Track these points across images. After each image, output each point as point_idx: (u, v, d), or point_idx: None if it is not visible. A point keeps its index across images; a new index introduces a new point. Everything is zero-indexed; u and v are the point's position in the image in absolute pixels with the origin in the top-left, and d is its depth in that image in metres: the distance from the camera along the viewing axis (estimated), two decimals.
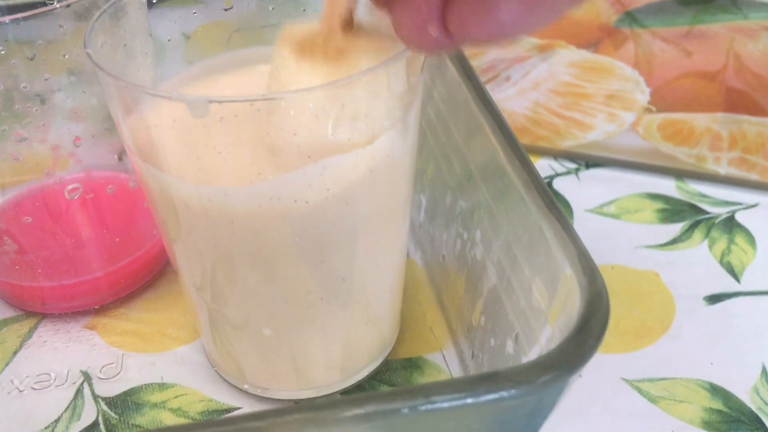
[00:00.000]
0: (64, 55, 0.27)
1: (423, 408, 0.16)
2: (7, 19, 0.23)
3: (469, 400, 0.16)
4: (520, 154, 0.22)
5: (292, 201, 0.20)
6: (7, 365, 0.28)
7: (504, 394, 0.16)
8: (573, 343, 0.16)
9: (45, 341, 0.29)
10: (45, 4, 0.31)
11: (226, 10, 0.26)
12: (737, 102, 0.43)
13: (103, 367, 0.28)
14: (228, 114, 0.18)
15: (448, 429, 0.17)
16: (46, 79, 0.26)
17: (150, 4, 0.25)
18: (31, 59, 0.27)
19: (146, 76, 0.26)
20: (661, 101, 0.42)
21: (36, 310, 0.30)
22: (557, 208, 0.20)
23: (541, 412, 0.17)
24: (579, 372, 0.17)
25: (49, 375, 0.28)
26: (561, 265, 0.19)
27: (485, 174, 0.25)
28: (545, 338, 0.20)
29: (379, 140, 0.21)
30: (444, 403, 0.16)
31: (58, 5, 0.23)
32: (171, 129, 0.20)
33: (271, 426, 0.15)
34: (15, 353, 0.29)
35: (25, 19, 0.23)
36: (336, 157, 0.20)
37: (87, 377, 0.27)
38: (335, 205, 0.21)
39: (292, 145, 0.19)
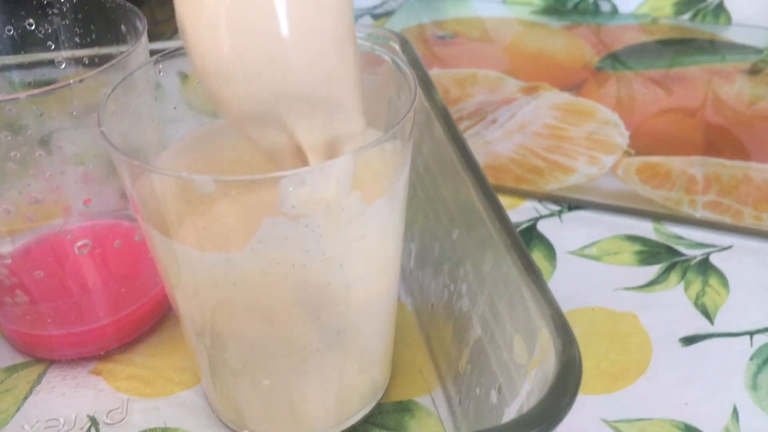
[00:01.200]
0: (72, 112, 0.29)
1: None
2: (23, 95, 0.24)
3: None
4: (502, 216, 0.24)
5: (290, 265, 0.22)
6: (18, 410, 0.29)
7: None
8: (548, 403, 0.18)
9: (53, 387, 0.30)
10: (53, 63, 0.33)
11: None
12: (717, 139, 0.45)
13: (109, 412, 0.29)
14: (232, 190, 0.20)
15: None
16: (51, 132, 0.28)
17: (158, 71, 0.26)
18: (40, 116, 0.28)
19: (152, 137, 0.28)
20: (640, 144, 0.44)
21: (45, 357, 0.31)
22: (535, 270, 0.22)
23: None
24: (555, 429, 0.18)
25: (58, 420, 0.29)
26: (538, 324, 0.21)
27: (470, 231, 0.26)
28: (525, 392, 0.21)
29: (371, 207, 0.22)
30: None
31: (72, 82, 0.25)
32: (178, 201, 0.21)
33: None
34: (25, 398, 0.30)
35: (41, 93, 0.24)
36: (331, 225, 0.21)
37: (94, 422, 0.29)
38: (330, 268, 0.22)
39: (291, 215, 0.21)
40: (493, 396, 0.23)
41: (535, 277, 0.22)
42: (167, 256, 0.23)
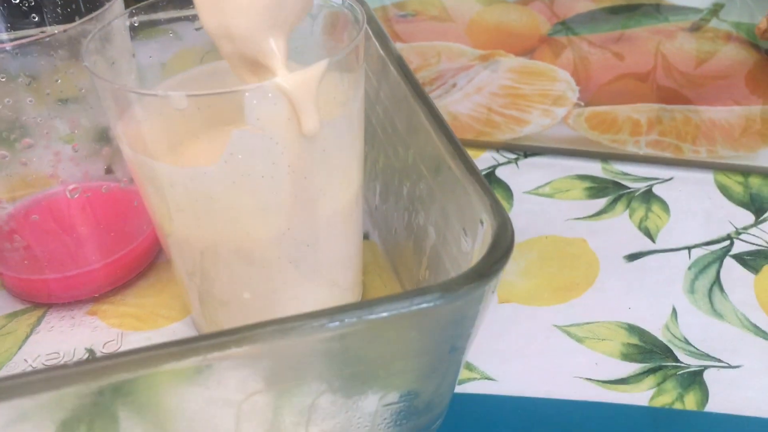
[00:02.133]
0: (57, 80, 0.32)
1: (367, 317, 0.20)
2: (8, 46, 0.27)
3: (404, 309, 0.20)
4: (447, 131, 0.27)
5: (259, 177, 0.25)
6: (20, 348, 0.32)
7: (432, 302, 0.20)
8: (486, 261, 0.21)
9: (52, 327, 0.33)
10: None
11: (197, 30, 0.31)
12: (669, 99, 0.48)
13: (105, 343, 0.32)
14: (203, 105, 0.23)
15: (390, 338, 0.21)
16: (43, 104, 0.31)
17: (133, 24, 0.29)
18: (28, 85, 0.31)
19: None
20: (590, 98, 0.48)
21: (43, 301, 0.34)
22: (476, 171, 0.25)
23: (465, 321, 0.22)
24: (492, 284, 0.21)
25: (58, 353, 0.32)
26: (479, 213, 0.24)
27: (422, 153, 0.29)
28: None
29: (329, 123, 0.25)
30: (384, 313, 0.20)
31: (56, 31, 0.28)
32: (157, 121, 0.24)
33: (250, 336, 0.20)
34: (26, 339, 0.33)
35: (26, 45, 0.27)
36: (294, 137, 0.24)
37: (92, 353, 0.32)
38: (296, 180, 0.25)
39: (257, 128, 0.24)
40: None
41: (476, 176, 0.25)
42: (151, 179, 0.26)
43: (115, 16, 0.28)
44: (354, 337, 0.21)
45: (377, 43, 0.35)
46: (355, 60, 0.26)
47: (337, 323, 0.20)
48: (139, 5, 0.28)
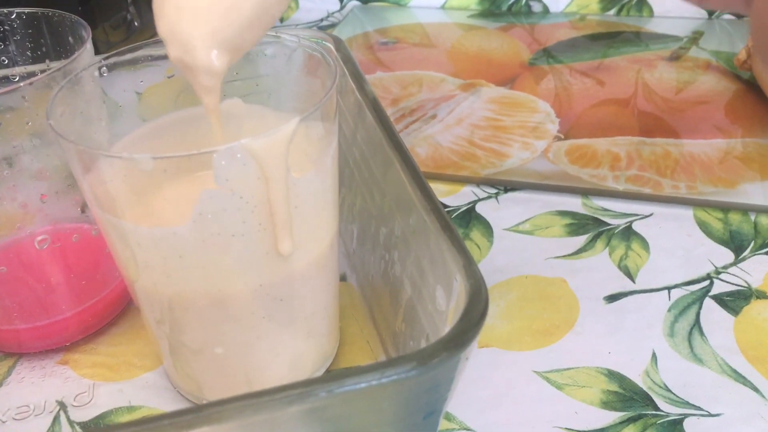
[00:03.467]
0: (28, 123, 0.31)
1: (338, 390, 0.20)
2: None
3: (374, 382, 0.20)
4: (423, 185, 0.27)
5: (229, 235, 0.24)
6: None
7: (404, 374, 0.20)
8: (457, 330, 0.21)
9: (23, 377, 0.32)
10: (8, 79, 0.35)
11: (168, 77, 0.30)
12: (650, 125, 0.48)
13: (76, 395, 0.31)
14: (170, 166, 0.23)
15: (362, 409, 0.21)
16: (14, 146, 0.30)
17: (102, 73, 0.29)
18: None
19: (102, 137, 0.30)
20: (569, 130, 0.47)
21: (13, 351, 0.33)
22: (450, 227, 0.25)
23: (440, 388, 0.22)
24: (465, 353, 0.21)
25: (29, 406, 0.31)
26: (453, 272, 0.24)
27: (398, 203, 0.29)
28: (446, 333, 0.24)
29: (301, 179, 0.25)
30: (355, 386, 0.20)
31: (22, 84, 0.27)
32: (123, 182, 0.24)
33: (218, 413, 0.19)
34: None
35: None
36: (264, 196, 0.24)
37: (62, 406, 0.31)
38: (267, 237, 0.25)
39: (226, 188, 0.23)
40: (423, 345, 0.26)
41: (450, 233, 0.24)
42: (119, 238, 0.26)
43: (83, 67, 0.27)
44: (326, 410, 0.20)
45: (353, 85, 0.35)
46: (328, 113, 0.26)
47: (308, 398, 0.19)
48: (108, 55, 0.28)
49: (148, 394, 0.31)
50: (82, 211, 0.34)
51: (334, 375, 0.20)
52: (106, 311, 0.34)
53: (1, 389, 0.32)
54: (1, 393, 0.32)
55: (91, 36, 0.30)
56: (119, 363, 0.33)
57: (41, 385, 0.32)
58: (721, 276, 0.36)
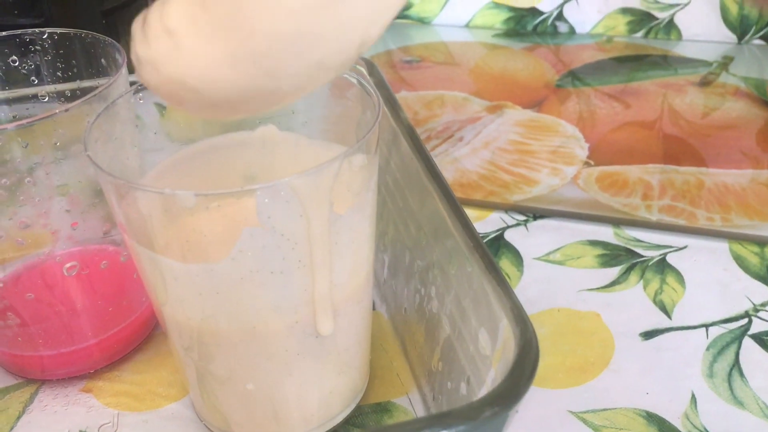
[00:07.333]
0: (56, 143, 0.30)
1: None
2: (11, 126, 0.26)
3: None
4: (465, 222, 0.26)
5: (268, 272, 0.24)
6: (11, 430, 0.31)
7: (453, 429, 0.19)
8: (508, 383, 0.20)
9: (45, 405, 0.31)
10: (37, 98, 0.35)
11: None
12: (673, 148, 0.48)
13: (100, 426, 0.30)
14: (212, 204, 0.22)
15: None
16: (37, 163, 0.29)
17: (139, 99, 0.28)
18: (25, 147, 0.30)
19: (134, 163, 0.29)
20: (599, 155, 0.47)
21: (36, 378, 0.32)
22: (495, 268, 0.24)
23: None
24: (515, 407, 0.20)
25: None
26: (499, 317, 0.23)
27: (436, 237, 0.28)
28: (490, 380, 0.23)
29: (342, 216, 0.24)
30: None
31: (57, 111, 0.26)
32: (162, 216, 0.23)
33: None
34: (18, 418, 0.31)
35: (29, 123, 0.26)
36: (305, 234, 0.23)
37: None
38: (306, 274, 0.24)
39: (268, 226, 0.23)
40: (463, 388, 0.25)
41: (495, 274, 0.24)
42: (153, 270, 0.25)
43: (120, 94, 0.27)
44: None
45: (387, 111, 0.34)
46: (371, 146, 0.25)
47: None
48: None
49: (173, 425, 0.31)
50: (106, 233, 0.33)
51: (381, 430, 0.19)
52: (131, 338, 0.33)
53: (24, 417, 0.31)
54: (24, 420, 0.31)
55: (126, 60, 0.29)
56: (144, 392, 0.32)
57: (64, 413, 0.31)
58: (760, 314, 0.35)
